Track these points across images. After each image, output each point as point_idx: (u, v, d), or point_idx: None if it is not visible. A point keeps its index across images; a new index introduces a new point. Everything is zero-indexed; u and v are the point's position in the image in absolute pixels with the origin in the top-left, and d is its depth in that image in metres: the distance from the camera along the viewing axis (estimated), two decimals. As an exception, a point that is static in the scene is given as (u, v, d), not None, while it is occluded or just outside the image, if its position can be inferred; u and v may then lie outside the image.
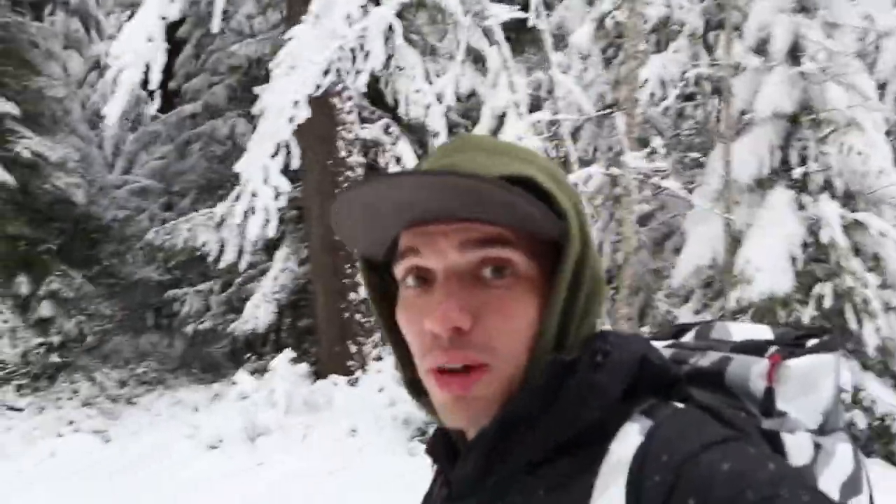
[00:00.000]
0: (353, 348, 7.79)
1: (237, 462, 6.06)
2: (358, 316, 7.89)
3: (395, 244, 0.71)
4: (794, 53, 6.11)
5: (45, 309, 8.43)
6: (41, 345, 8.21)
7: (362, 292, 7.96)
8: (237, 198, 5.61)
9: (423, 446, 0.78)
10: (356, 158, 7.61)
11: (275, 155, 5.12)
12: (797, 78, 6.05)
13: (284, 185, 5.03)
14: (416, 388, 0.74)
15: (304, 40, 4.98)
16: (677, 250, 7.92)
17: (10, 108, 7.94)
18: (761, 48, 6.22)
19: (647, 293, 7.37)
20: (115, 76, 4.63)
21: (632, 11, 5.26)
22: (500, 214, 0.65)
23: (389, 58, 6.65)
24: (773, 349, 0.70)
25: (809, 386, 0.69)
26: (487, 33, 5.55)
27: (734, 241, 6.14)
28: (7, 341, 7.90)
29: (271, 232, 5.10)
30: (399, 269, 0.70)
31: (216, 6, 5.05)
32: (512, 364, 0.67)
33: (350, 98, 7.57)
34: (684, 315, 6.78)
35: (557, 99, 6.38)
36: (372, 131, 7.80)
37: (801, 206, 5.93)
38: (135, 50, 4.45)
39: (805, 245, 5.78)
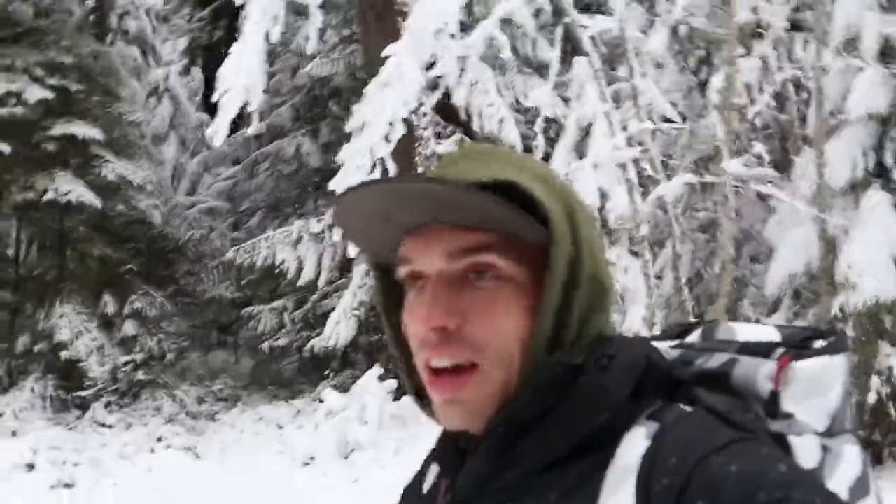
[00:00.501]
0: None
1: (332, 478, 6.10)
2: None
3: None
4: (885, 52, 5.98)
5: (129, 327, 8.62)
6: (127, 363, 8.39)
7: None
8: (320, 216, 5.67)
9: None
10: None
11: (371, 171, 5.17)
12: (889, 77, 5.92)
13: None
14: (419, 395, 0.75)
15: (403, 57, 5.02)
16: (753, 259, 7.80)
17: (96, 132, 8.18)
18: (849, 48, 6.11)
19: (730, 302, 7.24)
20: (221, 98, 4.73)
21: (725, 16, 5.20)
22: (475, 218, 0.67)
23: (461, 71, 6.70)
24: (780, 351, 0.70)
25: (818, 388, 0.68)
26: (575, 43, 5.55)
27: (830, 246, 6.01)
28: (95, 359, 8.09)
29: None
30: (400, 274, 0.73)
31: (311, 27, 5.14)
32: (503, 364, 0.68)
33: (426, 114, 7.62)
34: (774, 321, 6.63)
35: (640, 108, 6.33)
36: (446, 146, 7.84)
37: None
38: (239, 72, 4.54)
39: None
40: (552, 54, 5.56)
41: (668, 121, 6.19)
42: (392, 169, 5.14)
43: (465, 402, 0.69)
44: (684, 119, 6.43)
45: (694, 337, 0.79)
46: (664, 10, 6.64)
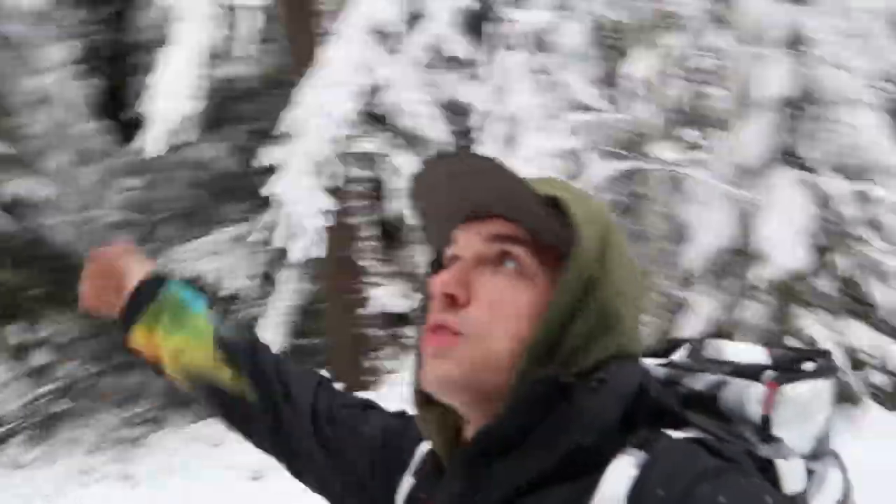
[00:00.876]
0: (367, 363, 7.76)
1: (284, 490, 5.94)
2: (371, 332, 7.85)
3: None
4: (793, 41, 6.40)
5: (39, 357, 8.08)
6: (40, 396, 7.86)
7: (371, 307, 7.95)
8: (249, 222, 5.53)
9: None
10: (360, 172, 7.59)
11: (316, 174, 5.09)
12: (795, 63, 6.34)
13: (329, 203, 5.01)
14: (419, 397, 0.77)
15: (338, 59, 4.97)
16: (668, 238, 8.18)
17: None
18: (758, 37, 6.49)
19: (657, 280, 7.57)
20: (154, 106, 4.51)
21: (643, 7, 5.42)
22: (526, 216, 0.71)
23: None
24: (770, 374, 0.70)
25: (805, 413, 0.69)
26: (504, 38, 5.63)
27: (747, 222, 6.38)
28: (7, 394, 7.54)
29: (317, 253, 5.05)
30: (445, 257, 0.77)
31: (243, 28, 4.98)
32: (484, 343, 0.70)
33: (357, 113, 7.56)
34: (694, 297, 6.98)
35: (567, 100, 6.50)
36: (374, 144, 7.78)
37: (808, 184, 6.21)
38: (176, 78, 4.35)
39: (816, 220, 6.06)
40: (480, 50, 5.61)
41: (594, 110, 6.38)
42: (339, 170, 5.06)
43: (441, 360, 0.70)
44: (608, 108, 6.64)
45: (681, 354, 0.80)
46: (583, 1, 6.82)
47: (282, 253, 8.32)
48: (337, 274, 7.63)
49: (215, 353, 1.01)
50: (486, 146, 6.21)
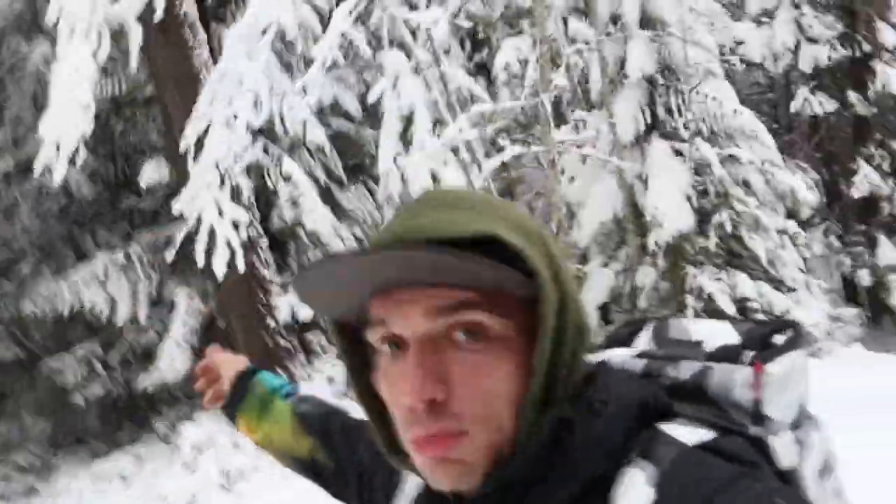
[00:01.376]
0: (282, 374, 7.63)
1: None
2: (281, 341, 7.74)
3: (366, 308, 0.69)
4: (645, 22, 6.91)
5: None
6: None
7: (281, 317, 7.80)
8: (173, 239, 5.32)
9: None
10: (247, 181, 7.43)
11: (221, 186, 4.98)
12: (653, 42, 6.86)
13: (242, 215, 4.92)
14: (395, 450, 0.72)
15: (231, 69, 4.88)
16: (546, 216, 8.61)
17: None
18: (616, 22, 6.97)
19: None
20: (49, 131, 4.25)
21: (535, 1, 5.68)
22: (467, 280, 0.64)
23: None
24: (748, 354, 0.70)
25: (789, 387, 0.70)
26: (396, 36, 5.72)
27: (631, 193, 6.86)
28: None
29: (241, 266, 4.95)
30: (372, 337, 0.68)
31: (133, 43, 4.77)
32: (493, 427, 0.66)
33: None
34: (592, 269, 7.41)
35: (451, 93, 6.68)
36: (254, 152, 7.62)
37: (680, 153, 6.77)
38: (69, 101, 4.12)
39: (695, 184, 6.62)
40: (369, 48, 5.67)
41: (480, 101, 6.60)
42: (245, 184, 4.96)
43: (454, 461, 0.66)
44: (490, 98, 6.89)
45: (646, 338, 0.78)
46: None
47: (173, 272, 8.00)
48: (240, 287, 7.44)
49: (293, 429, 1.13)
50: (384, 145, 6.28)
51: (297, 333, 7.95)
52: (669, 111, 6.95)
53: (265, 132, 7.93)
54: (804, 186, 7.13)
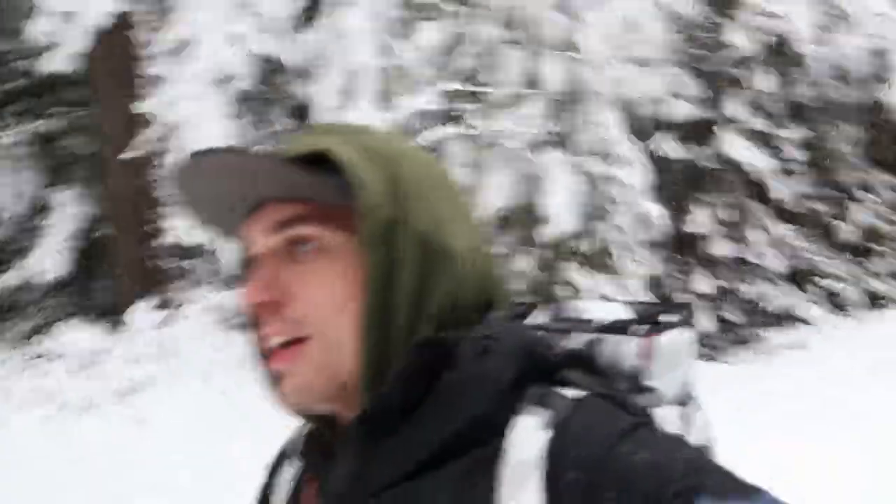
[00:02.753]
0: (159, 297, 7.61)
1: (117, 423, 5.78)
2: (163, 265, 7.71)
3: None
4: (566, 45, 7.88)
5: None
6: None
7: (168, 238, 7.73)
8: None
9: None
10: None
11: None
12: (568, 60, 7.85)
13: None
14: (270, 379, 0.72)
15: None
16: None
17: None
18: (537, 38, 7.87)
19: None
20: None
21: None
22: (286, 189, 0.67)
23: None
24: (639, 328, 0.72)
25: (674, 361, 0.71)
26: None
27: (530, 186, 7.79)
28: None
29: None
30: (242, 259, 0.73)
31: None
32: (331, 339, 0.66)
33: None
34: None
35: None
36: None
37: (574, 164, 7.80)
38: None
39: (583, 194, 7.69)
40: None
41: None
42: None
43: (293, 374, 0.67)
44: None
45: (542, 316, 0.79)
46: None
47: (58, 174, 7.61)
48: (130, 202, 7.32)
49: None
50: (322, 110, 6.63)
51: (179, 258, 7.93)
52: (569, 127, 7.97)
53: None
54: (657, 213, 8.50)
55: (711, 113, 9.68)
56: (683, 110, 9.62)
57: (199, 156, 0.66)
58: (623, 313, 0.76)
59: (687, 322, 0.74)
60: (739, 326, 9.03)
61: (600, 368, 0.71)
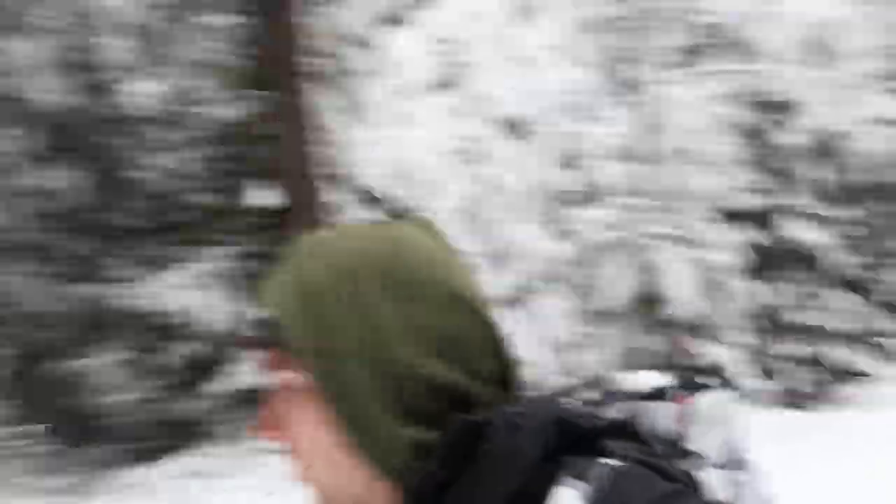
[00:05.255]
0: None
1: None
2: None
3: None
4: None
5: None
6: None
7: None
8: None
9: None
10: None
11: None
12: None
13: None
14: None
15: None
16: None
17: None
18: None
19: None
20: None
21: None
22: (263, 341, 0.74)
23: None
24: (677, 393, 0.73)
25: (713, 422, 0.72)
26: None
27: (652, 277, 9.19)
28: None
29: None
30: None
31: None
32: (311, 477, 0.72)
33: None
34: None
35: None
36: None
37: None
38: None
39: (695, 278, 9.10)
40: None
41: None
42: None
43: (308, 483, 0.73)
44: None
45: (585, 392, 0.80)
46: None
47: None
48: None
49: None
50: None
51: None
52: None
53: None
54: (753, 290, 9.89)
55: (775, 200, 11.21)
56: (754, 201, 11.18)
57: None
58: (662, 381, 0.78)
59: (725, 385, 0.77)
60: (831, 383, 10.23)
61: (641, 436, 0.72)
